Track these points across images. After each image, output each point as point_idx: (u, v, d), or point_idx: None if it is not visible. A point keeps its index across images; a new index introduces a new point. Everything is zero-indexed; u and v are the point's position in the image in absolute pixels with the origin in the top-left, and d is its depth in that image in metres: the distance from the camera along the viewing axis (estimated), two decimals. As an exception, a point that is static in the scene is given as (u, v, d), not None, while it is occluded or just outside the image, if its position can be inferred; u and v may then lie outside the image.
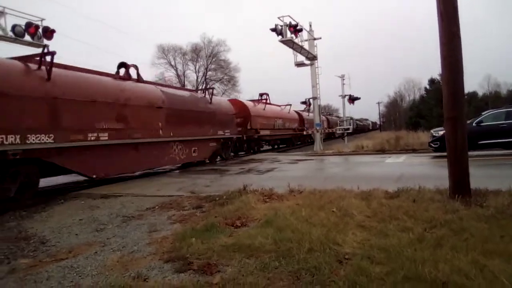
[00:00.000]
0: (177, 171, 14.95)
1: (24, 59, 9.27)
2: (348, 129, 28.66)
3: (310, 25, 23.45)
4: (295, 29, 20.00)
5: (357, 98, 32.41)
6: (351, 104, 32.47)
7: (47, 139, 8.74)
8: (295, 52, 22.06)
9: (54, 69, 9.23)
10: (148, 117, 12.35)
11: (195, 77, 54.59)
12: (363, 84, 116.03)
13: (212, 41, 53.87)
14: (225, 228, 5.19)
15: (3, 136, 7.75)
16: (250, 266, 3.77)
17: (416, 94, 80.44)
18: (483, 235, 4.09)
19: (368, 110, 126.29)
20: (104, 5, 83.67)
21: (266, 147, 28.58)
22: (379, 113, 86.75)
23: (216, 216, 5.86)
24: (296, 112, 33.95)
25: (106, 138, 10.47)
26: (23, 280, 3.95)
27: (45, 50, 9.35)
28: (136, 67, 13.12)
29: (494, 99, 60.55)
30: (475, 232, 4.20)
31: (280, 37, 19.58)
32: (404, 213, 5.18)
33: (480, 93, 66.70)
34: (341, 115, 45.63)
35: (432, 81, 53.60)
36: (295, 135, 32.35)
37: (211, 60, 54.52)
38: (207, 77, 54.59)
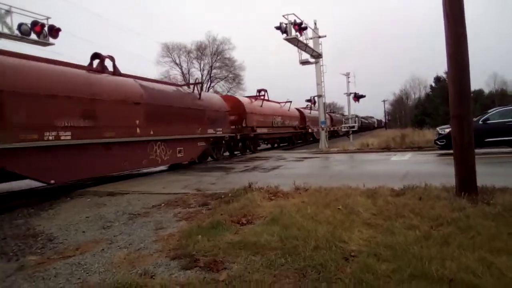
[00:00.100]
0: (182, 169, 14.78)
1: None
2: (353, 127, 28.57)
3: (315, 23, 23.39)
4: (300, 27, 19.96)
5: (362, 96, 32.33)
6: (357, 102, 32.40)
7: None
8: (300, 50, 22.03)
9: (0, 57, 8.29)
10: (123, 113, 11.13)
11: (200, 75, 54.70)
12: (369, 82, 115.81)
13: (217, 39, 53.85)
14: (231, 225, 5.20)
15: None
16: (256, 263, 3.78)
17: (422, 92, 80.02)
18: (490, 233, 4.07)
19: (374, 108, 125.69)
20: (106, 3, 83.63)
21: (264, 146, 27.92)
22: (385, 111, 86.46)
23: (222, 213, 5.87)
24: (297, 109, 32.66)
25: (69, 137, 9.26)
26: (31, 277, 3.99)
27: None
28: (112, 59, 11.93)
29: (501, 97, 60.04)
30: (482, 229, 4.19)
31: (285, 35, 19.54)
32: (410, 211, 5.17)
33: (487, 91, 66.22)
34: (346, 113, 45.56)
35: (438, 79, 53.36)
36: (295, 133, 30.90)
37: (215, 58, 54.49)
38: (212, 75, 54.62)
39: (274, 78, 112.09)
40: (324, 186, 7.30)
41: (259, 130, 22.66)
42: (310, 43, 22.18)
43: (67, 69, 10.00)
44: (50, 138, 8.83)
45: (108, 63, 11.87)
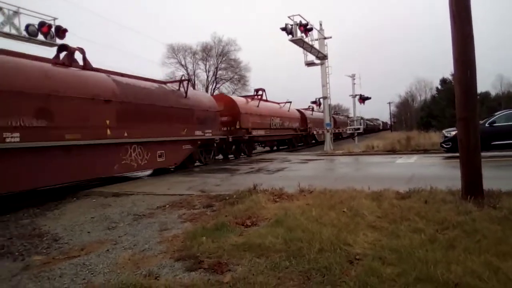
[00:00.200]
0: (186, 171, 14.65)
1: None
2: (358, 129, 28.46)
3: (321, 24, 23.38)
4: (305, 28, 19.96)
5: (367, 98, 32.17)
6: (362, 104, 32.23)
7: None
8: (305, 51, 22.01)
9: None
10: (90, 112, 9.88)
11: (206, 77, 54.85)
12: (374, 83, 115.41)
13: (223, 41, 54.02)
14: (236, 227, 5.20)
15: None
16: (261, 265, 3.77)
17: (428, 94, 79.65)
18: (497, 237, 4.03)
19: (379, 110, 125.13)
20: (106, 3, 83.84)
21: (261, 149, 27.07)
22: (390, 113, 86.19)
23: (226, 215, 5.88)
24: (298, 110, 31.24)
25: (18, 139, 7.99)
26: (37, 277, 4.01)
27: None
28: (82, 51, 10.77)
29: (507, 99, 59.67)
30: (488, 233, 4.15)
31: (290, 36, 19.56)
32: (415, 214, 5.14)
33: (493, 93, 65.83)
34: (350, 115, 45.37)
35: (444, 81, 53.10)
36: (296, 135, 29.30)
37: (221, 59, 54.65)
38: (217, 76, 54.78)
39: (278, 79, 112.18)
40: (329, 188, 7.28)
41: (255, 132, 21.30)
42: (316, 44, 22.18)
43: (19, 61, 8.74)
44: (-13, 139, 7.62)
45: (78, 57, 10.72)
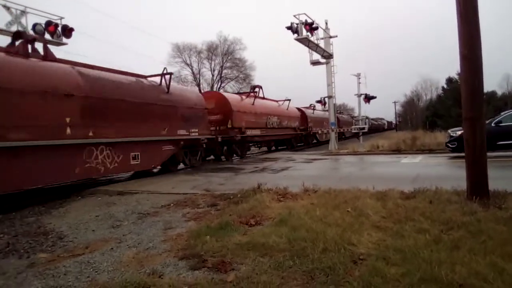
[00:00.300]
0: (190, 170, 14.57)
1: None
2: (363, 128, 28.38)
3: (326, 23, 23.30)
4: (311, 27, 19.91)
5: (373, 97, 32.17)
6: (367, 103, 32.24)
7: None
8: (310, 50, 21.94)
9: None
10: (44, 109, 8.54)
11: (211, 76, 54.96)
12: (379, 83, 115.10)
13: (228, 39, 54.11)
14: (240, 226, 5.20)
15: None
16: (264, 264, 3.77)
17: (433, 94, 79.27)
18: (502, 238, 4.01)
19: (384, 109, 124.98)
20: (108, 2, 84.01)
21: (256, 150, 26.07)
22: (395, 112, 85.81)
23: (230, 214, 5.88)
24: (298, 109, 29.74)
25: None
26: (42, 274, 4.04)
27: None
28: (43, 40, 9.93)
29: (514, 99, 59.24)
30: (494, 234, 4.13)
31: (295, 35, 19.51)
32: (420, 214, 5.12)
33: (499, 92, 65.33)
34: (354, 114, 45.24)
35: (450, 80, 52.88)
36: (295, 135, 27.75)
37: (226, 58, 54.74)
38: (222, 75, 54.87)
39: (283, 78, 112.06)
40: (333, 188, 7.26)
41: (249, 132, 19.74)
42: (321, 43, 22.11)
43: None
44: None
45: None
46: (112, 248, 4.83)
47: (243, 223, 5.37)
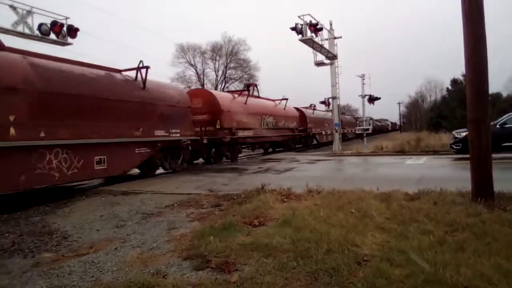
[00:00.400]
0: (194, 170, 14.58)
1: None
2: (367, 129, 28.28)
3: (331, 24, 23.32)
4: (316, 28, 19.90)
5: (377, 98, 32.05)
6: (371, 104, 32.13)
7: None
8: (315, 51, 21.96)
9: None
10: None
11: (215, 76, 55.04)
12: (384, 84, 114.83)
13: (232, 40, 54.18)
14: (243, 227, 5.21)
15: None
16: (268, 265, 3.78)
17: (438, 95, 78.83)
18: (507, 239, 3.99)
19: (388, 110, 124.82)
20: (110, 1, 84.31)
21: (251, 153, 24.74)
22: (400, 113, 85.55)
23: (234, 215, 5.89)
24: (296, 108, 28.31)
25: None
26: (46, 274, 4.06)
27: None
28: None
29: (519, 100, 58.84)
30: (499, 236, 4.11)
31: (300, 36, 19.50)
32: (424, 215, 5.10)
33: (505, 94, 64.83)
34: (356, 115, 45.03)
35: (454, 82, 52.56)
36: (293, 136, 26.33)
37: (230, 58, 54.80)
38: (226, 75, 54.93)
39: (287, 79, 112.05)
40: (337, 188, 7.25)
41: (241, 133, 18.42)
42: (326, 44, 22.10)
43: None
44: None
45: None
46: (116, 248, 4.85)
47: (246, 223, 5.37)
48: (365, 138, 26.98)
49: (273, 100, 24.79)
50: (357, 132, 29.39)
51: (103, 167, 10.02)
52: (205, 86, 51.36)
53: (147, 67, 11.84)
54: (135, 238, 5.26)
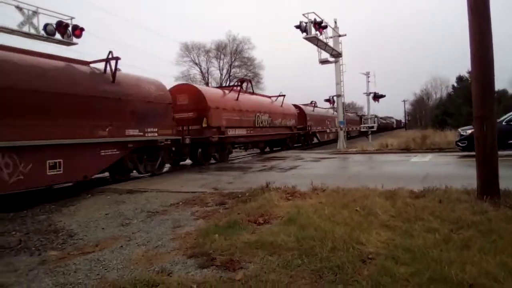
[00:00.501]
0: (199, 168, 14.53)
1: None
2: (372, 127, 28.15)
3: (335, 22, 23.18)
4: (320, 26, 19.83)
5: (382, 96, 31.82)
6: (376, 102, 31.91)
7: None
8: (319, 49, 21.87)
9: None
10: None
11: (219, 75, 55.07)
12: (388, 81, 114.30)
13: (237, 39, 54.17)
14: (248, 225, 5.22)
15: None
16: (273, 263, 3.78)
17: (443, 92, 78.43)
18: (513, 237, 3.97)
19: (393, 108, 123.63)
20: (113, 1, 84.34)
21: (244, 153, 23.51)
22: (405, 111, 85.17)
23: (239, 213, 5.90)
24: (295, 105, 26.78)
25: None
26: (52, 272, 4.09)
27: None
28: None
29: (526, 97, 58.37)
30: (504, 233, 4.08)
31: (304, 34, 19.44)
32: (430, 213, 5.08)
33: (511, 91, 64.44)
34: (360, 112, 44.77)
35: (460, 79, 52.26)
36: (291, 135, 24.94)
37: (235, 57, 54.81)
38: (231, 74, 54.94)
39: (292, 77, 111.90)
40: (342, 186, 7.25)
41: (231, 132, 17.00)
42: (330, 42, 22.00)
43: None
44: None
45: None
46: (121, 246, 4.87)
47: (251, 221, 5.38)
48: (370, 136, 26.88)
49: (269, 97, 23.65)
50: (361, 130, 29.22)
51: (58, 172, 8.67)
52: (209, 84, 51.39)
53: (116, 58, 10.51)
54: (140, 236, 5.28)
